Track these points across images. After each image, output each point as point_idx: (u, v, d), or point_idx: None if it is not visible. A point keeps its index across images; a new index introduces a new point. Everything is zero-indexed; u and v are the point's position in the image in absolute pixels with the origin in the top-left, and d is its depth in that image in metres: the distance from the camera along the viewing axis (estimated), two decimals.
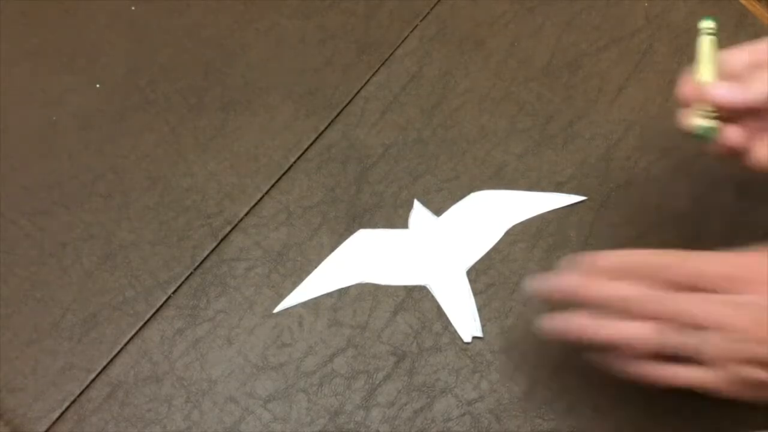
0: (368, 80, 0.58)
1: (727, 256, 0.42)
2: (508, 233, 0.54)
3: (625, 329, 0.42)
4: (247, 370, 0.49)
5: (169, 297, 0.51)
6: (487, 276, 0.53)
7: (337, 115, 0.57)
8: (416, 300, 0.52)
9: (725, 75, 0.42)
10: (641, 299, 0.42)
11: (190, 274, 0.52)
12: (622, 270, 0.43)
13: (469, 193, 0.55)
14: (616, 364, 0.44)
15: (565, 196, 0.55)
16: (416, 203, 0.54)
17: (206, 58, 0.59)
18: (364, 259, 0.53)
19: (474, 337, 0.51)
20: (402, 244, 0.53)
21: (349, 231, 0.53)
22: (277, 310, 0.51)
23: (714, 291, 0.41)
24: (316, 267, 0.52)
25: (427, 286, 0.52)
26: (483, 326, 0.51)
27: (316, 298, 0.51)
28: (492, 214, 0.55)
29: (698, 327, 0.41)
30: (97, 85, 0.57)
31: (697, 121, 0.41)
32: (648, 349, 0.42)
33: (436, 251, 0.53)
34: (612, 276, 0.43)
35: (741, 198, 0.55)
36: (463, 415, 0.49)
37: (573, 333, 0.44)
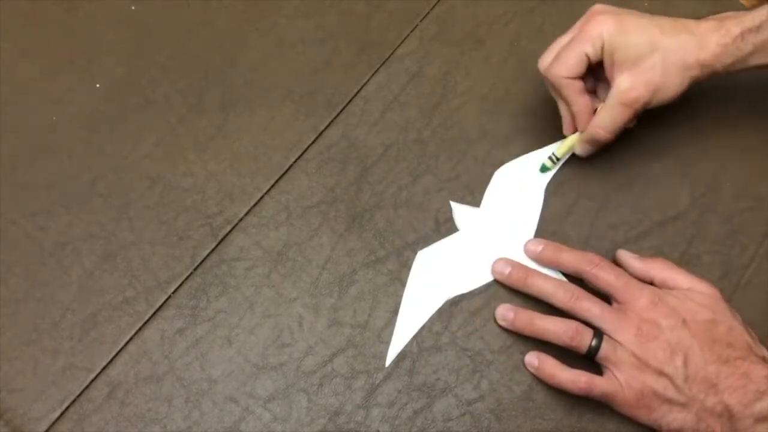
0: (368, 80, 0.58)
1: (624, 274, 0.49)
2: None
3: (541, 323, 0.49)
4: (247, 370, 0.49)
5: (169, 297, 0.51)
6: None
7: (337, 115, 0.57)
8: None
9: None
10: (558, 294, 0.48)
11: (190, 274, 0.52)
12: (556, 263, 0.51)
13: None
14: (530, 362, 0.49)
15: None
16: (453, 204, 0.54)
17: (206, 58, 0.59)
18: (437, 277, 0.52)
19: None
20: (463, 248, 0.53)
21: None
22: (388, 362, 0.50)
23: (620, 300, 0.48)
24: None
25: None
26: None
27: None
28: (525, 180, 0.55)
29: (597, 325, 0.47)
30: (97, 85, 0.57)
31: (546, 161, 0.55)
32: (560, 343, 0.48)
33: (497, 237, 0.53)
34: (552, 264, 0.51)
35: (740, 198, 0.55)
36: (463, 415, 0.49)
37: (509, 324, 0.50)
